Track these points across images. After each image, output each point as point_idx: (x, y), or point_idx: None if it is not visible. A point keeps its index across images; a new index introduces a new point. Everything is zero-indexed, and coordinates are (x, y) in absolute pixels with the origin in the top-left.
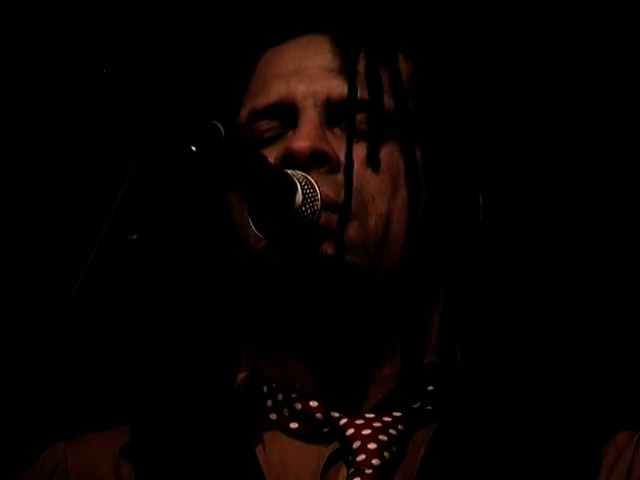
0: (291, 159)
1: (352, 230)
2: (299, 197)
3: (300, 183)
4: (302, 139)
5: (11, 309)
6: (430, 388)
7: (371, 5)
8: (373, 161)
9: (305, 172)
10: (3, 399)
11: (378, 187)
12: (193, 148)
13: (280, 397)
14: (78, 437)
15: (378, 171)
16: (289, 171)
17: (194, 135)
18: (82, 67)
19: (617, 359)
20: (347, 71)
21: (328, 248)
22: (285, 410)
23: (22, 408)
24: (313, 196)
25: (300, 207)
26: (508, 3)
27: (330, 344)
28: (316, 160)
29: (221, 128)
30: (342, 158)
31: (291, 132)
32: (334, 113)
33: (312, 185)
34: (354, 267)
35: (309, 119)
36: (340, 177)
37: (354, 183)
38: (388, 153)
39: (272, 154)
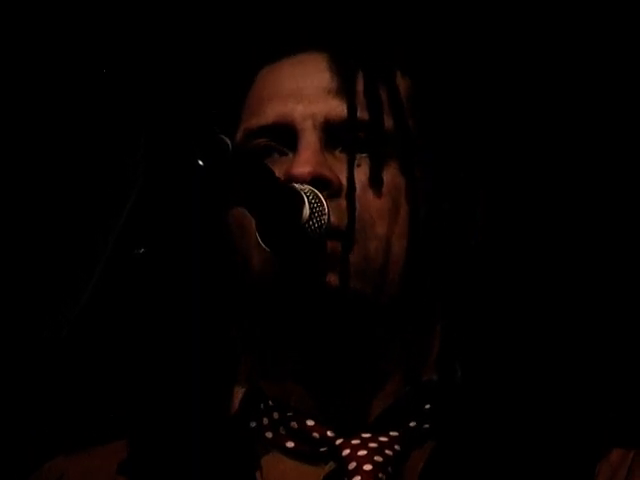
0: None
1: (353, 255)
2: (306, 211)
3: (307, 197)
4: (302, 165)
5: (15, 317)
6: (427, 407)
7: (367, 22)
8: (375, 184)
9: None
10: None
11: (379, 210)
12: (200, 162)
13: (276, 415)
14: (77, 451)
15: (380, 193)
16: (297, 185)
17: (201, 149)
18: (83, 75)
19: (612, 376)
20: (346, 91)
21: (332, 277)
22: (281, 429)
23: (21, 416)
24: (320, 210)
25: (308, 221)
26: (503, 15)
27: (328, 362)
28: (317, 185)
29: (228, 142)
30: (343, 181)
31: (290, 154)
32: (334, 134)
33: (319, 199)
34: (358, 294)
35: (309, 144)
36: (342, 201)
37: (356, 207)
38: (390, 175)
39: (271, 165)
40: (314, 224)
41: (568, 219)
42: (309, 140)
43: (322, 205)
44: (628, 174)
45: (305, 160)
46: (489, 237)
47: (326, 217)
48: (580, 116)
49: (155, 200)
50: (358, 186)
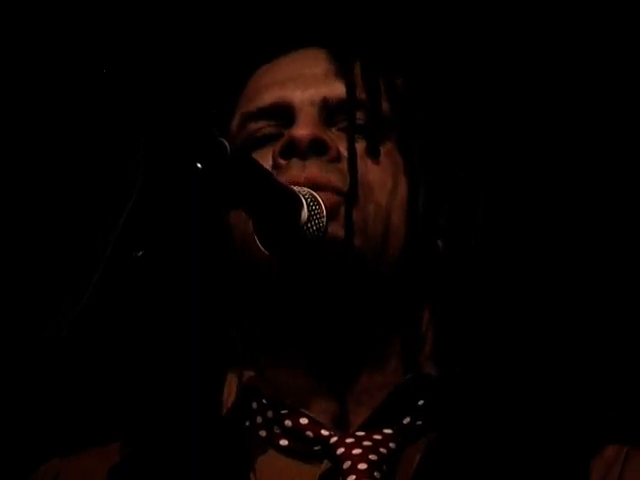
0: (291, 147)
1: (354, 213)
2: (305, 214)
3: (306, 200)
4: (303, 128)
5: (15, 317)
6: (421, 402)
7: (365, 24)
8: (373, 153)
9: (305, 159)
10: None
11: (378, 179)
12: (198, 165)
13: (270, 414)
14: (74, 452)
15: (378, 164)
16: (295, 188)
17: (199, 152)
18: (84, 75)
19: (607, 374)
20: (344, 73)
21: (335, 227)
22: (275, 427)
23: (21, 416)
24: (319, 213)
25: (306, 224)
26: (504, 14)
27: (326, 351)
28: (316, 148)
29: (227, 145)
30: (342, 150)
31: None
32: (331, 114)
33: (318, 202)
34: (359, 254)
35: (307, 114)
36: (341, 166)
37: (357, 169)
38: (387, 151)
39: (268, 154)
40: (312, 227)
41: (567, 218)
42: (307, 111)
43: (320, 208)
44: (628, 172)
45: (305, 125)
46: (489, 237)
47: (324, 220)
48: (579, 117)
49: (155, 201)
50: (357, 156)
